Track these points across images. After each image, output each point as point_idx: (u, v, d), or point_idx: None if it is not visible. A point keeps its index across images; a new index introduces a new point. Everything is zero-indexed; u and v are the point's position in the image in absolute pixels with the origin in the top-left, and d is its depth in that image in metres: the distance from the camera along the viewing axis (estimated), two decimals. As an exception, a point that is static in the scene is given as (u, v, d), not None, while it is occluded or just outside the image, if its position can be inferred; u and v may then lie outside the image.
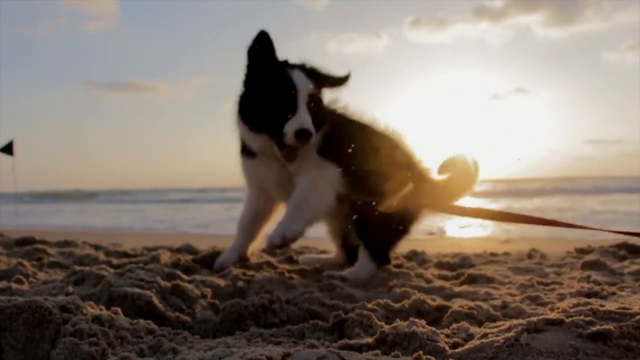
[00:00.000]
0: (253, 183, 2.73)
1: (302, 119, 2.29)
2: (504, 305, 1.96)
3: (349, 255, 2.90)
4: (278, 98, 2.34)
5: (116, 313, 1.67)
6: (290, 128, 2.28)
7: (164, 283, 2.07)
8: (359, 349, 1.38)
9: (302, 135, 2.27)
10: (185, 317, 1.87)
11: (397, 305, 1.95)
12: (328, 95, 2.56)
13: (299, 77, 2.36)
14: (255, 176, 2.68)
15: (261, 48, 2.39)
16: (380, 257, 2.64)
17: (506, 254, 3.80)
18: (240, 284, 2.28)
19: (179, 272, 2.38)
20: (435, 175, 2.68)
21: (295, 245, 3.93)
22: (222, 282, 2.27)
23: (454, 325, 1.60)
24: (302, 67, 2.44)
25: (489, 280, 2.55)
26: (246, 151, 2.61)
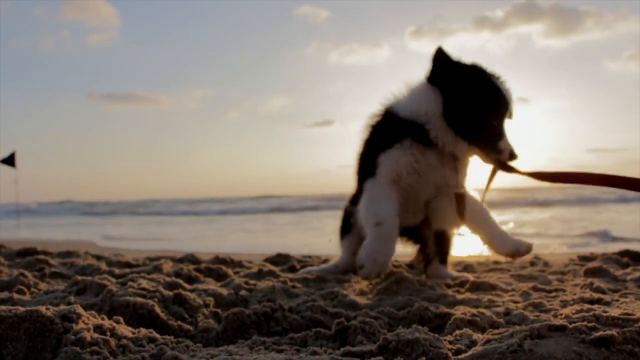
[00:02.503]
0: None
1: (510, 140, 2.56)
2: (507, 312, 1.95)
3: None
4: (499, 115, 2.54)
5: (118, 322, 1.67)
6: (506, 146, 2.54)
7: (166, 292, 2.07)
8: (362, 356, 1.38)
9: (514, 156, 2.56)
10: (188, 326, 1.87)
11: (400, 313, 1.94)
12: None
13: (511, 95, 2.57)
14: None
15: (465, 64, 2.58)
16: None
17: (509, 261, 3.79)
18: (242, 292, 2.27)
19: (181, 281, 2.38)
20: None
21: (299, 255, 3.94)
22: (224, 291, 2.27)
23: (457, 332, 1.59)
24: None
25: (492, 287, 2.55)
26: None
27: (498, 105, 2.53)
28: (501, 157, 2.55)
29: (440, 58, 2.56)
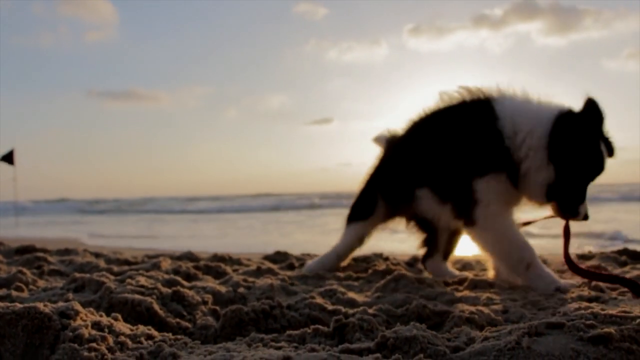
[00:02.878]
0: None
1: (587, 206, 2.48)
2: (506, 310, 1.95)
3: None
4: (589, 177, 2.44)
5: (116, 319, 1.66)
6: (583, 210, 2.47)
7: (164, 289, 2.07)
8: (360, 353, 1.38)
9: (586, 219, 2.50)
10: (186, 323, 1.87)
11: (398, 310, 1.94)
12: None
13: (606, 161, 2.43)
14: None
15: (595, 121, 2.38)
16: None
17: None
18: (241, 290, 2.27)
19: (179, 279, 2.38)
20: None
21: (297, 253, 3.93)
22: (223, 289, 2.27)
23: (455, 330, 1.59)
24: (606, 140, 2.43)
25: (491, 285, 2.54)
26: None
27: (596, 170, 2.43)
28: (576, 219, 2.49)
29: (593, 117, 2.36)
